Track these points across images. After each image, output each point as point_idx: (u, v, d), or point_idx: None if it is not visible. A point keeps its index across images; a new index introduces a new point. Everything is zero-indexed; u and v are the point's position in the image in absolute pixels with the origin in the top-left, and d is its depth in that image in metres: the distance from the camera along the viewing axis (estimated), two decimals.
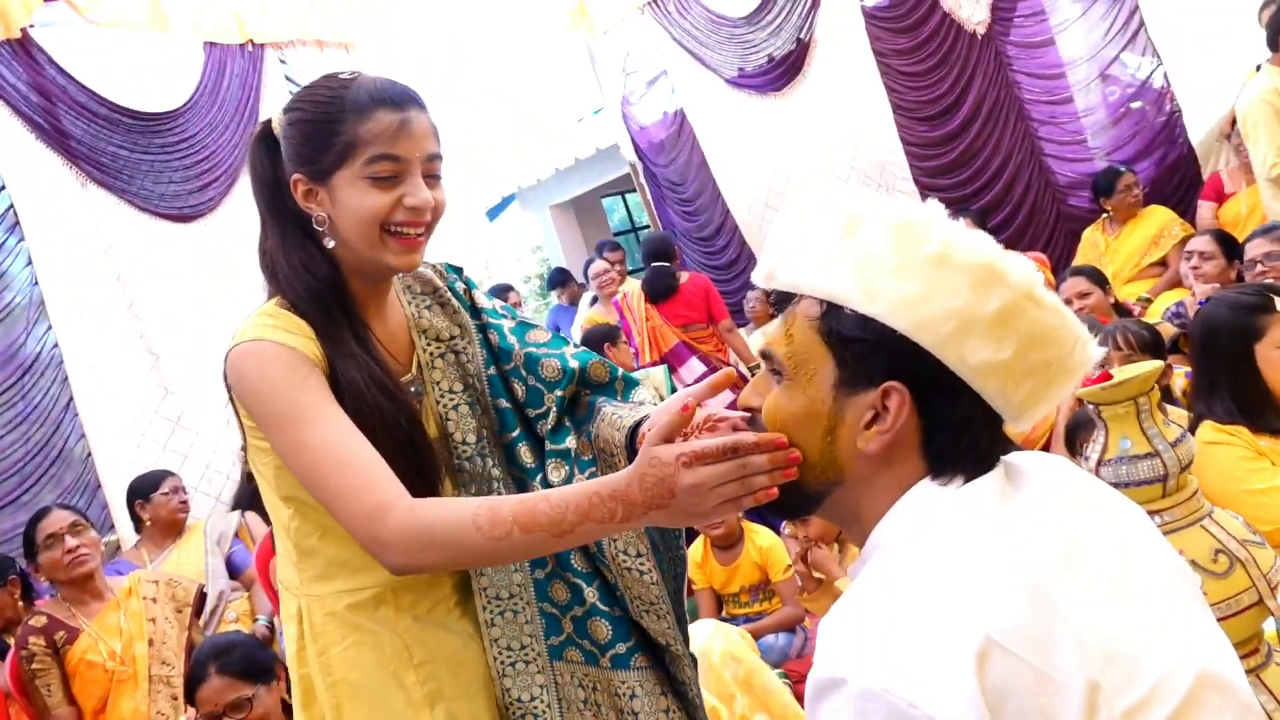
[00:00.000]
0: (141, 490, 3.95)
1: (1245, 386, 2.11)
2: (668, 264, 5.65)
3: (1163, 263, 4.84)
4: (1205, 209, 4.69)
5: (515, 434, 1.47)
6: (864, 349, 0.91)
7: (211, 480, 4.68)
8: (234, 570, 4.00)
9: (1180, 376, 2.81)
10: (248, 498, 4.40)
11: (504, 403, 1.48)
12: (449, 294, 1.51)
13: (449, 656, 1.41)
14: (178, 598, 3.26)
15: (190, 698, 2.44)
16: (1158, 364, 1.57)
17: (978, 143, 5.74)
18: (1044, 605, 0.80)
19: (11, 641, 3.16)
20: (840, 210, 0.94)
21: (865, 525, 0.95)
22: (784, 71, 6.30)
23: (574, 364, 1.48)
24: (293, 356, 1.28)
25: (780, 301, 1.01)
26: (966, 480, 0.91)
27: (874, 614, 0.83)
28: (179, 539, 3.94)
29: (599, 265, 6.01)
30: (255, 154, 1.39)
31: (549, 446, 1.46)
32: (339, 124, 1.29)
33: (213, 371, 4.67)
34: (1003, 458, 0.95)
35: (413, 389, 1.42)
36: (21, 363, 4.21)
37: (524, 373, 1.48)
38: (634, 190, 9.00)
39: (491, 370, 1.49)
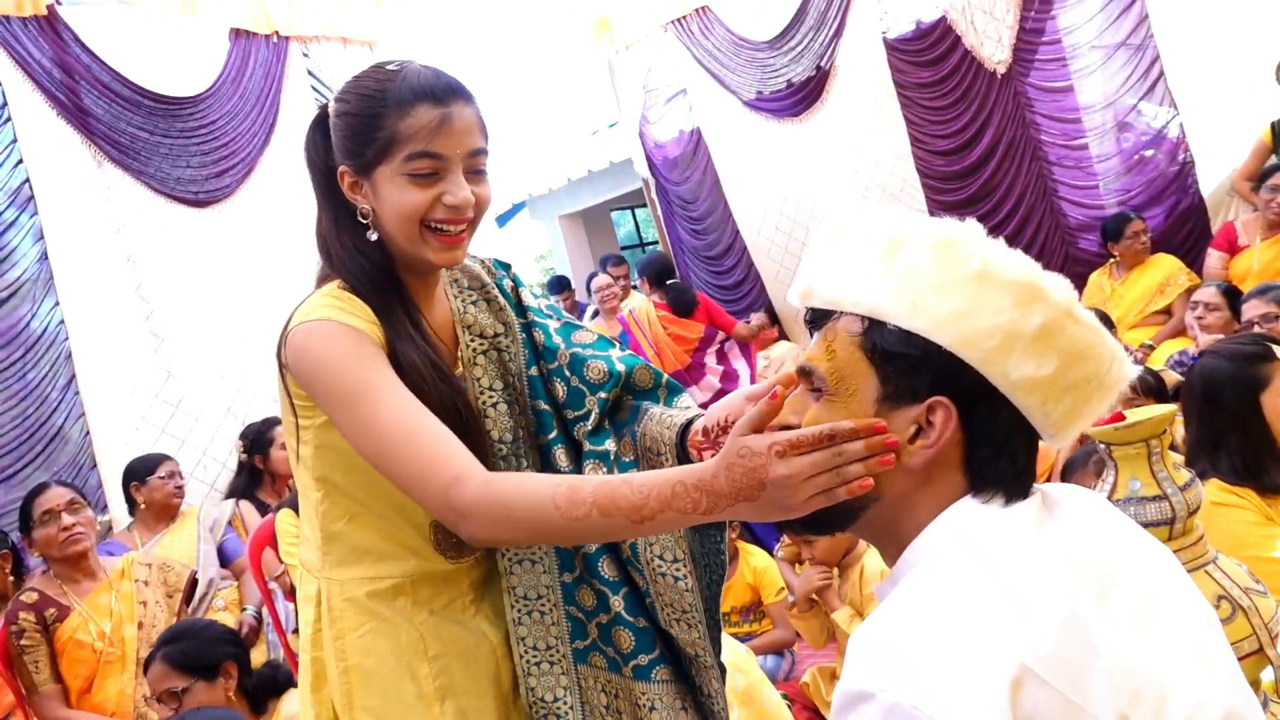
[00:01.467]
0: (138, 472, 3.94)
1: (1253, 440, 2.07)
2: (681, 282, 5.84)
3: (1167, 311, 4.87)
4: (1215, 258, 4.71)
5: (552, 436, 1.47)
6: (908, 364, 0.92)
7: (207, 467, 4.67)
8: (225, 559, 3.99)
9: (1182, 425, 2.82)
10: (243, 487, 4.40)
11: (542, 404, 1.47)
12: (495, 290, 1.51)
13: (462, 653, 1.41)
14: (169, 582, 3.26)
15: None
16: (1170, 408, 1.58)
17: (994, 180, 5.78)
18: (1078, 637, 0.81)
19: (1, 616, 3.15)
20: (882, 228, 0.96)
21: (901, 541, 0.95)
22: (803, 97, 6.33)
23: (620, 367, 1.48)
24: (358, 336, 1.28)
25: (816, 319, 1.01)
26: (1006, 498, 0.92)
27: (909, 629, 0.83)
28: (172, 524, 3.93)
29: (602, 279, 6.09)
30: (310, 140, 1.41)
31: (587, 447, 1.45)
32: (381, 119, 1.28)
33: (216, 358, 4.67)
34: (1038, 486, 0.96)
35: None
36: (26, 339, 4.19)
37: (567, 373, 1.48)
38: (644, 205, 9.03)
39: (533, 370, 1.49)
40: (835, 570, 2.84)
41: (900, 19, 5.94)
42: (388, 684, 1.38)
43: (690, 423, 1.39)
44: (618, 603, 1.44)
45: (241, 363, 4.87)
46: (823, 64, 6.19)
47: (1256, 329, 3.21)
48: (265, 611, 3.78)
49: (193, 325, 4.74)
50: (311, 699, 1.44)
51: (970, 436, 0.92)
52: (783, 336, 6.61)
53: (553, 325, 1.52)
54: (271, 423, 4.53)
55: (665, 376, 1.53)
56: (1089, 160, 5.53)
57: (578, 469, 1.46)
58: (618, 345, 1.54)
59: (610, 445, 1.45)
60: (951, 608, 0.84)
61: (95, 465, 4.28)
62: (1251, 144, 4.90)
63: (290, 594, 3.99)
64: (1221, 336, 3.48)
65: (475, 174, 1.33)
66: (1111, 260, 5.10)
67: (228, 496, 4.45)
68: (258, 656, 3.53)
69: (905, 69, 5.94)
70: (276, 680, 2.57)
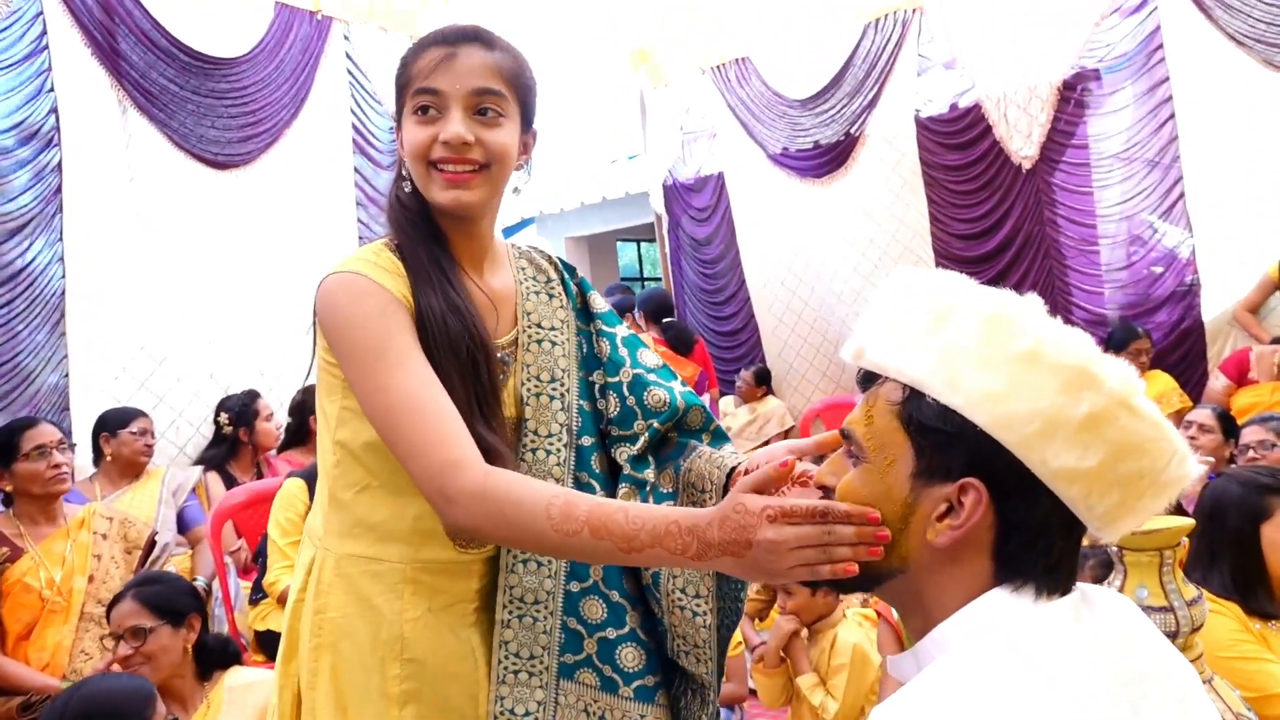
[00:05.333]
0: (110, 424, 3.87)
1: (1246, 564, 2.12)
2: (679, 321, 5.88)
3: None
4: (1219, 383, 4.70)
5: (593, 440, 1.45)
6: (943, 440, 0.89)
7: (180, 430, 4.59)
8: (183, 525, 3.92)
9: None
10: (218, 458, 4.33)
11: (588, 406, 1.46)
12: (559, 287, 1.50)
13: (440, 665, 1.37)
14: (129, 538, 3.17)
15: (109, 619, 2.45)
16: (1189, 521, 1.58)
17: (1008, 271, 5.81)
18: None
19: None
20: (935, 296, 0.93)
21: (929, 617, 0.93)
22: (829, 160, 6.37)
23: (680, 402, 1.47)
24: (386, 297, 1.28)
25: (866, 380, 1.00)
26: (1037, 589, 0.89)
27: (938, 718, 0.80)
28: (136, 481, 3.87)
29: None
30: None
31: (627, 471, 1.43)
32: (407, 65, 1.34)
33: (209, 321, 4.61)
34: (1078, 585, 0.93)
35: (501, 356, 1.40)
36: (24, 274, 4.12)
37: (626, 391, 1.46)
38: (652, 240, 9.04)
39: (583, 374, 1.47)
40: (805, 630, 2.80)
41: (935, 99, 6.00)
42: (354, 672, 1.34)
43: (736, 467, 1.39)
44: (634, 618, 1.41)
45: (233, 330, 4.81)
46: (853, 130, 6.24)
47: (1251, 454, 3.24)
48: (216, 585, 3.71)
49: (191, 284, 4.68)
50: (282, 670, 1.40)
51: (1003, 522, 0.89)
52: (770, 393, 6.61)
53: (620, 335, 1.51)
54: (254, 395, 4.48)
55: (715, 422, 1.51)
56: (1099, 266, 5.58)
57: (611, 479, 1.44)
58: (679, 379, 1.52)
59: (650, 475, 1.44)
60: (985, 704, 0.80)
61: (68, 408, 4.20)
62: (1259, 277, 4.96)
63: (243, 571, 3.91)
64: (1211, 459, 3.51)
65: (481, 114, 1.32)
66: None
67: (198, 463, 4.38)
68: None
69: (934, 149, 6.00)
70: (226, 652, 2.53)
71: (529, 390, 1.42)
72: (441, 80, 1.29)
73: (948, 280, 0.95)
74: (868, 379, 0.99)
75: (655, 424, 1.44)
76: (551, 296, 1.49)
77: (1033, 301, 0.92)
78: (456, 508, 1.15)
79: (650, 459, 1.46)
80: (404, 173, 1.37)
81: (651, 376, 1.48)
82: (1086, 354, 0.88)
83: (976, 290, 0.93)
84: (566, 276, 1.54)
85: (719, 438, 1.50)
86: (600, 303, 1.54)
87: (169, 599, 2.45)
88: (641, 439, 1.44)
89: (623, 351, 1.49)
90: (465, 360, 1.29)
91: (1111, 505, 0.88)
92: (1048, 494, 0.87)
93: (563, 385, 1.44)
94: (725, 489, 1.37)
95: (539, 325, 1.45)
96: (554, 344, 1.45)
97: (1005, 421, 0.86)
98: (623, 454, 1.44)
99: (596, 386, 1.48)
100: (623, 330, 1.52)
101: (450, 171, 1.31)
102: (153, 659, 2.37)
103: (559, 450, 1.42)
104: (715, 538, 1.01)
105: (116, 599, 2.46)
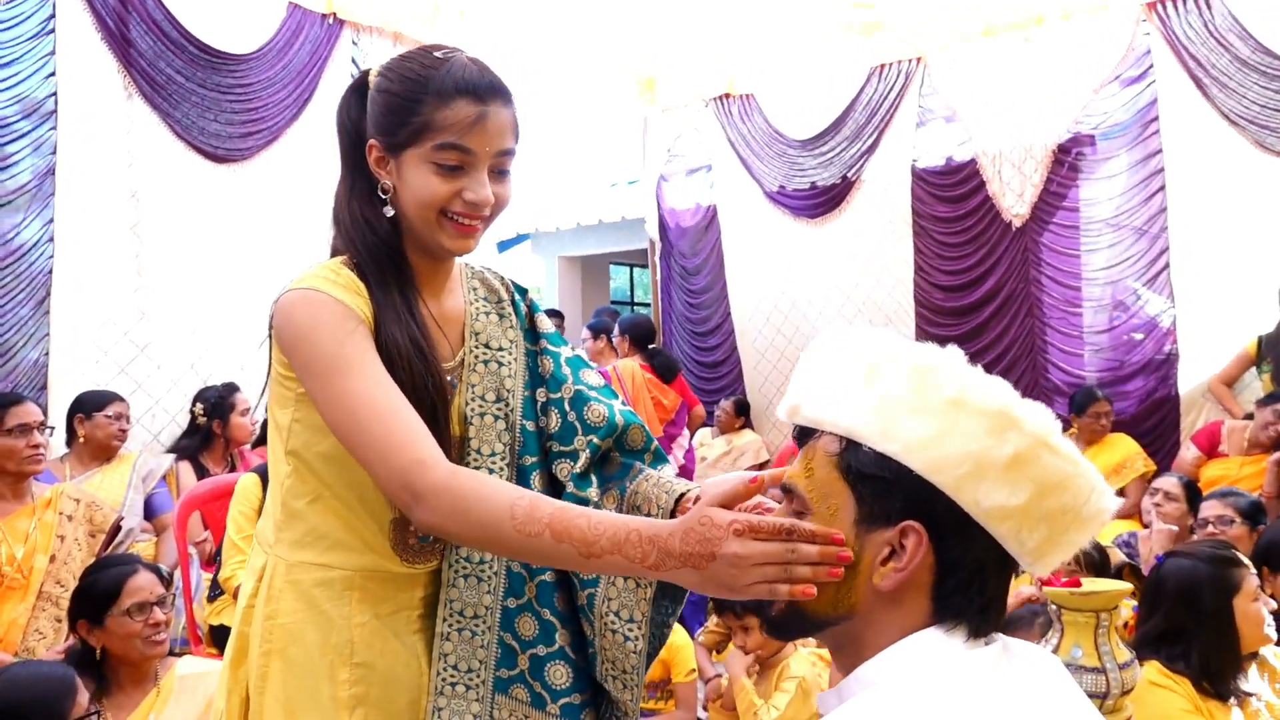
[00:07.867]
0: (86, 406, 3.88)
1: (1222, 642, 2.11)
2: (663, 348, 5.96)
3: (1120, 492, 4.92)
4: (1190, 453, 4.75)
5: (534, 460, 1.47)
6: (881, 486, 0.93)
7: (156, 416, 4.59)
8: (150, 512, 3.93)
9: (1126, 608, 2.85)
10: (192, 448, 4.33)
11: (531, 425, 1.48)
12: (510, 308, 1.53)
13: (387, 668, 1.39)
14: (94, 520, 3.18)
15: (109, 598, 2.39)
16: (1127, 585, 1.62)
17: (987, 326, 5.88)
18: None
19: None
20: (863, 351, 0.98)
21: (860, 656, 0.95)
22: (823, 202, 6.43)
23: (619, 419, 1.49)
24: (344, 310, 1.29)
25: (802, 436, 1.04)
26: (969, 631, 0.93)
27: None
28: (107, 464, 3.87)
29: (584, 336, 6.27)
30: (345, 104, 1.43)
31: (570, 489, 1.45)
32: (419, 104, 1.32)
33: (193, 311, 4.60)
34: (1000, 636, 0.96)
35: (449, 379, 1.42)
36: (16, 249, 4.13)
37: (567, 407, 1.48)
38: (644, 266, 9.09)
39: (528, 393, 1.49)
40: (757, 665, 2.83)
41: (932, 151, 6.08)
42: (304, 677, 1.36)
43: (686, 494, 1.40)
44: (564, 637, 1.43)
45: (217, 322, 4.82)
46: (849, 175, 6.30)
47: (1210, 528, 3.27)
48: (178, 575, 3.70)
49: (178, 274, 4.69)
50: (230, 674, 1.41)
51: (941, 562, 0.93)
52: (748, 425, 6.64)
53: (564, 354, 1.54)
54: (233, 388, 4.48)
55: (655, 443, 1.54)
56: (1080, 328, 5.65)
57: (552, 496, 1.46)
58: (621, 399, 1.55)
59: (593, 493, 1.46)
60: None
61: (46, 386, 4.20)
62: (1237, 351, 5.03)
63: (206, 563, 3.91)
64: (1175, 528, 3.54)
65: (499, 173, 1.37)
66: (1070, 431, 5.18)
67: (170, 451, 4.38)
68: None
69: (926, 199, 6.07)
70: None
71: (473, 410, 1.44)
72: (474, 141, 1.31)
73: (875, 336, 1.00)
74: (803, 435, 1.03)
75: (595, 439, 1.47)
76: (502, 317, 1.52)
77: (954, 352, 0.97)
78: (423, 504, 1.17)
79: (593, 477, 1.48)
80: (384, 196, 1.37)
81: (592, 393, 1.50)
82: (1006, 399, 0.93)
83: (903, 344, 0.98)
84: (517, 297, 1.56)
85: (659, 459, 1.53)
86: (547, 324, 1.57)
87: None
88: (583, 456, 1.46)
89: (565, 370, 1.51)
90: (428, 406, 1.32)
91: (1040, 540, 0.93)
92: (982, 533, 0.92)
93: (507, 405, 1.47)
94: (672, 514, 1.39)
95: (486, 346, 1.48)
96: (500, 364, 1.48)
97: (939, 465, 0.91)
98: (564, 470, 1.47)
99: (539, 404, 1.50)
100: (567, 351, 1.55)
101: (464, 224, 1.35)
102: (169, 627, 2.43)
103: (501, 469, 1.44)
104: (677, 548, 1.02)
105: (123, 574, 2.44)
